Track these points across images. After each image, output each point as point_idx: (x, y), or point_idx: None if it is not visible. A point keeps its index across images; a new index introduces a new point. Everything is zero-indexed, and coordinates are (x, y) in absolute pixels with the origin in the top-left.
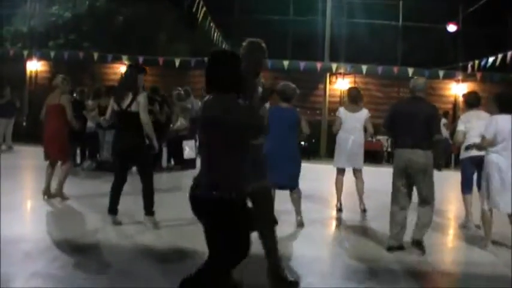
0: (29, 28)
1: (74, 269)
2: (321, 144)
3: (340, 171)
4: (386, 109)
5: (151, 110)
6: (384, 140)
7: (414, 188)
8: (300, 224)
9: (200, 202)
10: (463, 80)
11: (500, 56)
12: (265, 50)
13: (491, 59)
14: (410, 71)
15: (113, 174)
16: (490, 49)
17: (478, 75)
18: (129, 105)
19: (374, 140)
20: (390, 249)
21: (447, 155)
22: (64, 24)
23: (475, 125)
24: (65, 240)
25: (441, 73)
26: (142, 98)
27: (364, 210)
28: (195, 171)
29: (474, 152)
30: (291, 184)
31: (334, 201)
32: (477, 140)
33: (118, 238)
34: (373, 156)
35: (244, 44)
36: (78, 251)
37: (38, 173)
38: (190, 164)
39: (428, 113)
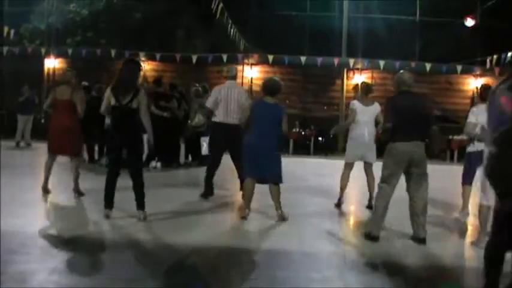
0: (46, 25)
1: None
2: (339, 140)
3: (349, 166)
4: None
5: (167, 106)
6: None
7: None
8: (283, 218)
9: None
10: (481, 75)
11: None
12: None
13: (510, 54)
14: (427, 66)
15: (127, 170)
16: (508, 43)
17: (497, 70)
18: (130, 101)
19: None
20: (372, 238)
21: None
22: (82, 22)
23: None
24: (76, 236)
25: (459, 68)
26: (143, 95)
27: (370, 207)
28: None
29: (483, 146)
30: (275, 178)
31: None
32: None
33: (123, 233)
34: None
35: None
36: (88, 246)
37: (57, 170)
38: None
39: (425, 106)
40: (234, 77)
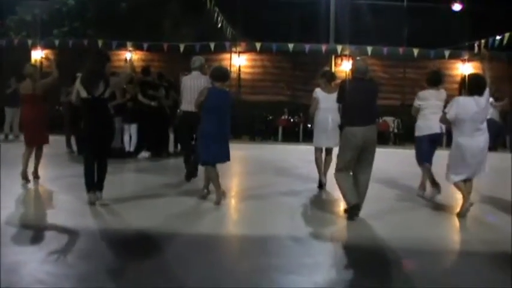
0: (33, 17)
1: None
2: None
3: (319, 150)
4: (391, 90)
5: (155, 95)
6: (391, 121)
7: None
8: (220, 202)
9: None
10: (469, 60)
11: (507, 34)
12: None
13: (498, 38)
14: (415, 51)
15: (120, 160)
16: (496, 28)
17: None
18: (103, 93)
19: (380, 120)
20: (353, 208)
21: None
22: (68, 12)
23: (432, 103)
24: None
25: (447, 53)
26: (116, 79)
27: (324, 185)
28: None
29: (431, 130)
30: (227, 159)
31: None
32: (433, 117)
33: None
34: (379, 137)
35: None
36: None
37: (46, 161)
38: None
39: (376, 93)
40: (199, 68)
